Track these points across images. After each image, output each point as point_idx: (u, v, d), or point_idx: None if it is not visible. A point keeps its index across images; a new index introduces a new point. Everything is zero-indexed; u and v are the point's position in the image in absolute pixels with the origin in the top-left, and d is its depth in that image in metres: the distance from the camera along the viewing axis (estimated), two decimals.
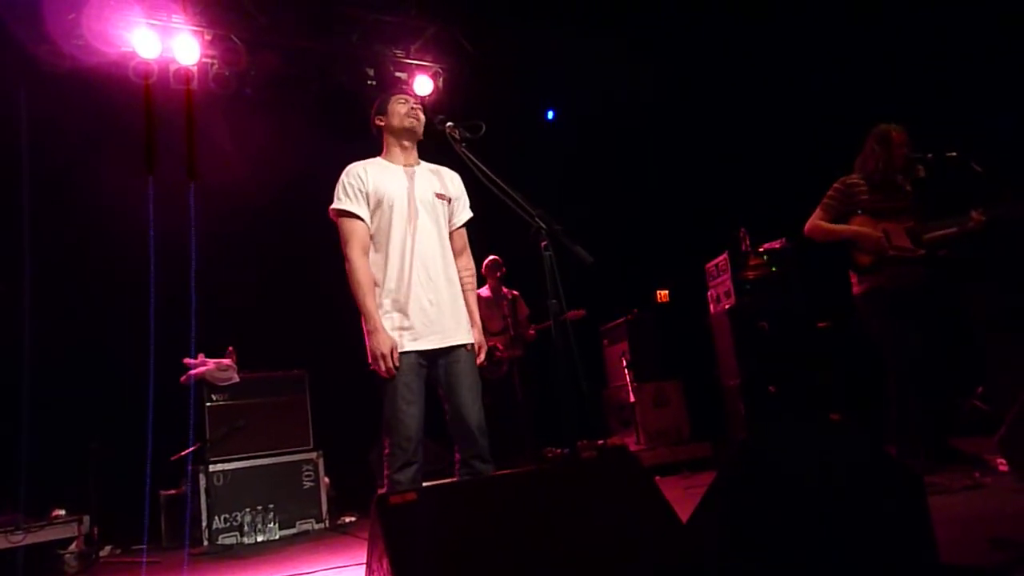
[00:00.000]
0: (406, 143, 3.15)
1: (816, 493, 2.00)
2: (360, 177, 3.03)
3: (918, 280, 4.26)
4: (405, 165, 3.13)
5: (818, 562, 1.93)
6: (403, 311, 2.94)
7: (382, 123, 3.16)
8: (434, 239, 3.06)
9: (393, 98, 3.17)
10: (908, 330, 4.19)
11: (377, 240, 3.02)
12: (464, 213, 3.25)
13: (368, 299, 2.90)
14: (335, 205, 3.03)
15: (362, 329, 2.97)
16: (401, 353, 2.89)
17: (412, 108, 3.13)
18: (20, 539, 4.62)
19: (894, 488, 2.21)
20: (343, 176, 3.07)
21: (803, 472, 2.08)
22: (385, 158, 3.16)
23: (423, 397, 2.93)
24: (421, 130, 3.15)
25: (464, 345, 3.03)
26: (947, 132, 4.53)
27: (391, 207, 3.01)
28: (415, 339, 2.93)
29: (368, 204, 3.01)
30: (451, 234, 3.19)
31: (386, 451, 2.88)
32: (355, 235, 2.98)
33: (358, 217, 3.00)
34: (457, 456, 2.98)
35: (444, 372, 2.98)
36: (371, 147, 3.24)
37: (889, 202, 4.33)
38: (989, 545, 2.45)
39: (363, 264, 2.96)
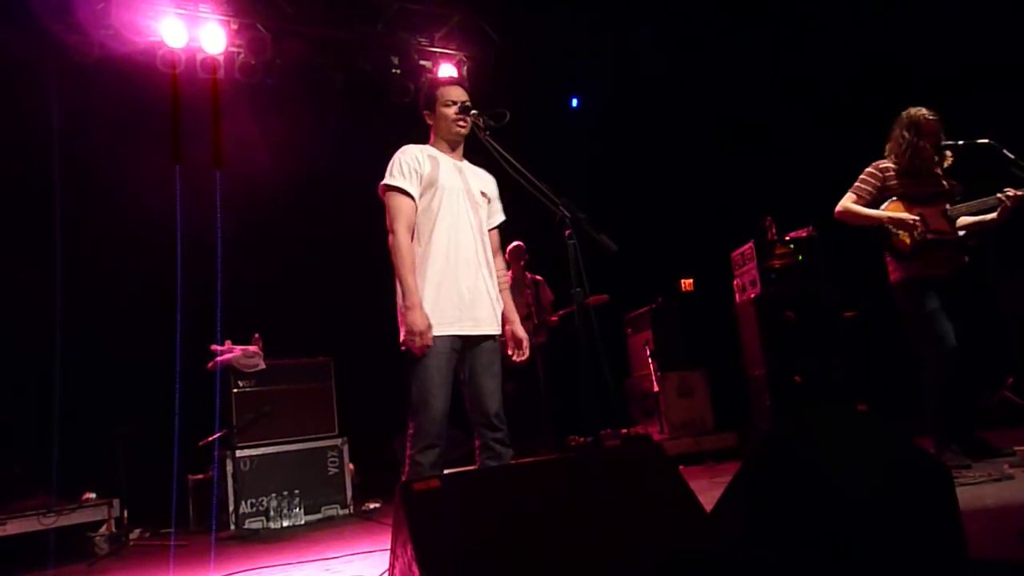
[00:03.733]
0: (452, 140, 3.19)
1: (842, 484, 1.99)
2: (418, 159, 3.07)
3: (956, 267, 4.18)
4: (453, 159, 3.19)
5: (844, 554, 1.92)
6: (444, 296, 2.98)
7: (431, 121, 3.20)
8: (477, 232, 3.12)
9: (440, 95, 3.17)
10: (946, 320, 4.10)
11: (423, 225, 3.05)
12: (499, 216, 3.33)
13: (410, 275, 2.94)
14: (389, 181, 3.04)
15: (396, 310, 3.01)
16: (437, 336, 2.92)
17: (457, 115, 3.12)
18: (52, 521, 4.71)
19: (921, 479, 2.19)
20: (400, 155, 3.09)
21: (829, 463, 2.06)
22: (436, 147, 3.19)
23: (451, 381, 2.98)
24: (467, 131, 3.16)
25: (494, 336, 3.09)
26: (975, 117, 4.44)
27: (443, 195, 3.05)
28: (452, 323, 2.96)
29: (420, 186, 3.05)
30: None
31: (410, 431, 2.92)
32: (404, 212, 3.01)
33: (409, 195, 3.03)
34: (477, 442, 3.04)
35: (470, 358, 3.03)
36: (394, 133, 3.25)
37: (921, 187, 4.23)
38: (1019, 538, 2.41)
39: (408, 241, 2.99)
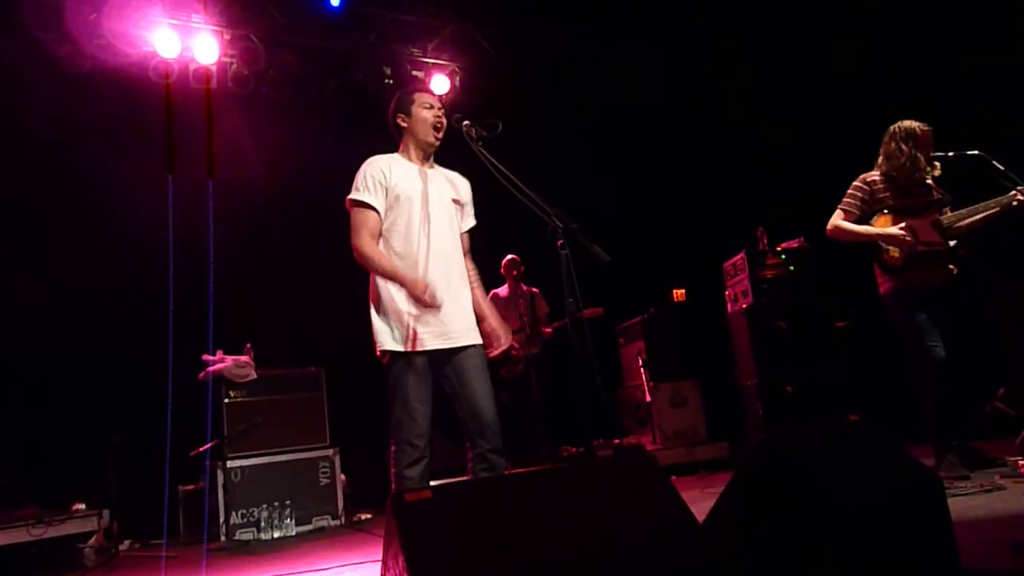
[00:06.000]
0: (426, 149, 3.14)
1: (834, 495, 1.99)
2: (383, 171, 3.03)
3: (945, 277, 4.19)
4: (422, 167, 3.13)
5: (836, 565, 1.92)
6: (413, 313, 2.93)
7: (404, 124, 3.13)
8: (449, 241, 3.07)
9: (417, 99, 3.13)
10: (936, 330, 4.11)
11: (392, 239, 3.01)
12: (470, 220, 3.27)
13: (389, 264, 2.94)
14: (353, 195, 3.02)
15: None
16: (414, 353, 2.91)
17: (436, 118, 3.09)
18: (41, 532, 4.68)
19: (913, 490, 2.19)
20: (364, 167, 3.06)
21: (821, 473, 2.06)
22: (403, 156, 3.14)
23: (431, 398, 2.94)
24: (441, 138, 3.13)
25: (474, 345, 3.04)
26: (962, 128, 4.47)
27: (409, 206, 3.01)
28: (423, 341, 2.92)
29: (386, 198, 3.01)
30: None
31: (393, 449, 2.89)
32: (366, 225, 2.98)
33: (373, 209, 3.00)
34: (470, 454, 2.98)
35: (455, 370, 2.98)
36: (387, 145, 3.23)
37: (910, 199, 4.24)
38: (1011, 550, 2.42)
39: (373, 244, 2.98)
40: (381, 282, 2.99)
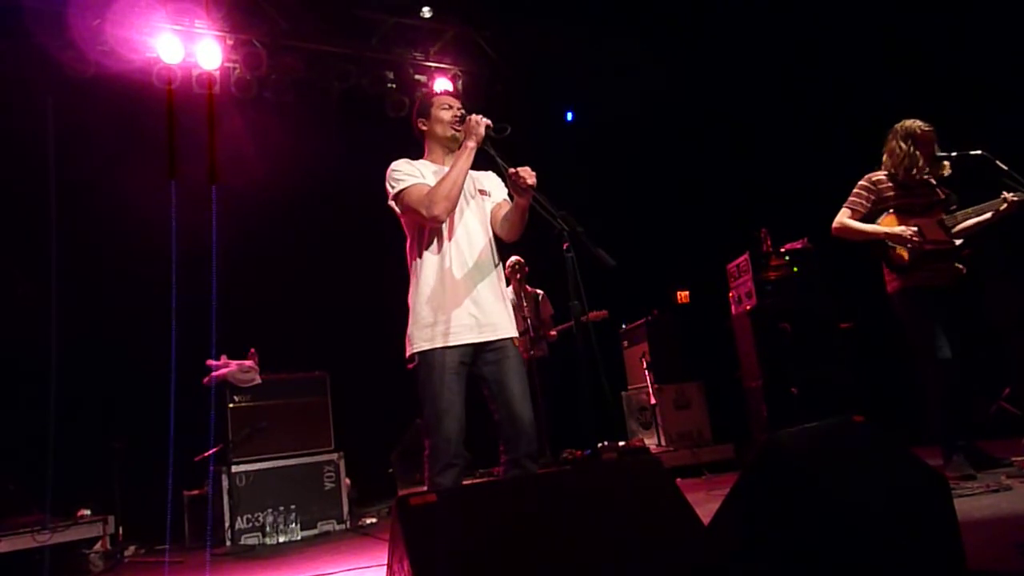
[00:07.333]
0: (449, 148, 3.11)
1: (839, 496, 1.98)
2: (411, 163, 3.01)
3: (954, 276, 4.18)
4: (445, 165, 3.08)
5: (842, 567, 1.91)
6: (444, 307, 2.87)
7: (424, 127, 3.14)
8: (479, 234, 3.03)
9: (436, 101, 3.14)
10: (944, 329, 4.10)
11: (420, 236, 2.98)
12: (500, 196, 3.19)
13: (455, 167, 2.87)
14: (396, 188, 2.92)
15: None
16: (442, 349, 2.83)
17: (455, 115, 3.07)
18: (47, 538, 4.68)
19: (919, 490, 2.19)
20: (391, 171, 2.99)
21: (826, 474, 2.06)
22: (428, 159, 3.12)
23: (463, 398, 2.85)
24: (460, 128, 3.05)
25: (512, 339, 2.97)
26: (967, 128, 4.46)
27: None
28: (456, 335, 2.85)
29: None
30: (495, 210, 3.13)
31: (427, 452, 2.82)
32: (420, 192, 2.88)
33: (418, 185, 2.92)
34: (504, 457, 2.89)
35: (492, 369, 2.90)
36: (390, 148, 3.23)
37: (917, 198, 4.24)
38: (1017, 550, 2.41)
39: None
40: (413, 278, 2.95)
